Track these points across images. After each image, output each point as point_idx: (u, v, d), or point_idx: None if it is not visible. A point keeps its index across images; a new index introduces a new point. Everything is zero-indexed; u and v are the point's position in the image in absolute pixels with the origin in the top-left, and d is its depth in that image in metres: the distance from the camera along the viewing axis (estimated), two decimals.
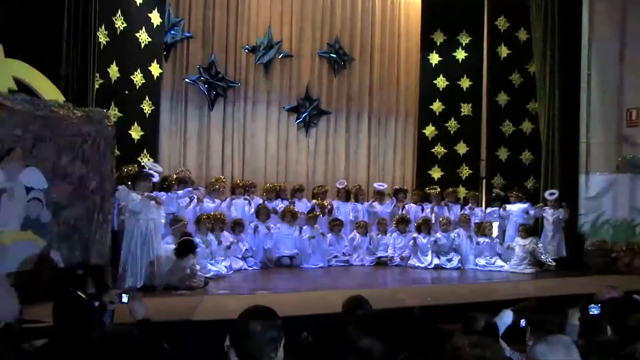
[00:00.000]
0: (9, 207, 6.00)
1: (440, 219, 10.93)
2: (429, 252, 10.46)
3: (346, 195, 11.45)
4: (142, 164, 9.11)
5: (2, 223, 5.95)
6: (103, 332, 2.75)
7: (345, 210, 11.28)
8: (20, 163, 6.04)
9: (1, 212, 5.93)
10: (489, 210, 11.36)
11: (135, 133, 9.84)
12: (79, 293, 3.43)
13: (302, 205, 10.91)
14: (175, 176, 9.75)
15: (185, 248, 7.70)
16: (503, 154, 12.03)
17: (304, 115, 12.21)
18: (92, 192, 6.53)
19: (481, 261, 10.40)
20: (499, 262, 10.35)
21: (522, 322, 3.79)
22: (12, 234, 6.03)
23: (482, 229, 10.58)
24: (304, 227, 10.39)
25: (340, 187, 11.52)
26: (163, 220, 7.96)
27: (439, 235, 10.60)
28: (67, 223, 6.34)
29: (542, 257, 10.09)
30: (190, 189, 9.46)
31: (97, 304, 3.62)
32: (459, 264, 10.41)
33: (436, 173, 12.65)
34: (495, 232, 10.90)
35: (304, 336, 3.77)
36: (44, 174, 6.21)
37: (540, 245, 10.15)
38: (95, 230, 6.57)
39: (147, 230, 7.51)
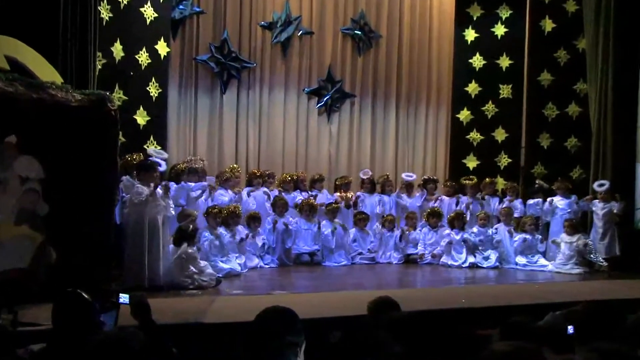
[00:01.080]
0: (2, 199, 6.01)
1: (477, 214, 10.83)
2: (464, 250, 10.38)
3: (372, 186, 11.39)
4: (147, 152, 9.12)
5: None
6: (106, 335, 2.75)
7: (370, 203, 11.22)
8: (14, 151, 6.04)
9: None
10: (529, 203, 11.21)
11: (141, 118, 9.86)
12: (81, 293, 3.42)
13: (323, 198, 10.90)
14: (185, 165, 9.74)
15: (182, 236, 7.73)
16: (545, 140, 11.84)
17: (325, 99, 12.17)
18: (93, 183, 6.52)
19: (522, 260, 10.29)
20: (542, 261, 10.23)
21: (570, 329, 3.71)
22: (5, 229, 6.04)
23: (522, 224, 10.45)
24: (323, 222, 10.37)
25: (365, 177, 11.45)
26: (173, 212, 7.98)
27: (475, 230, 10.52)
28: (66, 217, 6.34)
29: (592, 256, 9.93)
30: (205, 184, 9.47)
31: (99, 305, 3.62)
32: (497, 263, 10.30)
33: (471, 162, 12.55)
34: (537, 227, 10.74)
35: (334, 335, 3.75)
36: (41, 163, 6.19)
37: (590, 242, 9.99)
38: (97, 225, 6.57)
39: (154, 225, 7.52)
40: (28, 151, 6.14)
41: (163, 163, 8.87)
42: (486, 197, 11.36)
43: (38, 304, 4.98)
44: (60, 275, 5.95)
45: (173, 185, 8.53)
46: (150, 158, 8.54)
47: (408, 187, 11.50)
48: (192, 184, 9.22)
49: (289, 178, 10.85)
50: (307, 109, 12.14)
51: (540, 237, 10.49)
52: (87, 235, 6.38)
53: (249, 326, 2.64)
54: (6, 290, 5.41)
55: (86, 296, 3.43)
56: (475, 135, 12.58)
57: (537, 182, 11.39)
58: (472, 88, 12.60)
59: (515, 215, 10.81)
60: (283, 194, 10.50)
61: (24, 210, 6.16)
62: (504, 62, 12.44)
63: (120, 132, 7.23)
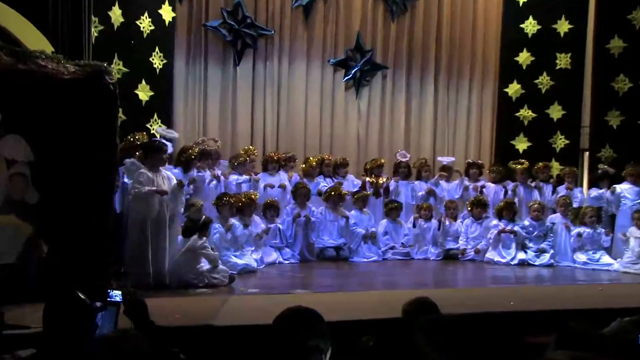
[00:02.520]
0: None
1: (529, 203, 10.73)
2: (513, 244, 10.30)
3: (407, 171, 11.34)
4: (153, 131, 9.15)
5: None
6: (105, 339, 2.76)
7: (405, 191, 11.19)
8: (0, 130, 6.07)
9: None
10: (592, 192, 11.09)
11: (144, 93, 9.92)
12: (77, 292, 3.43)
13: (348, 185, 10.90)
14: (196, 148, 9.74)
15: (191, 227, 7.77)
16: (615, 119, 11.67)
17: (353, 71, 12.15)
18: (89, 166, 6.55)
19: (582, 257, 10.18)
20: (606, 259, 10.11)
21: None
22: None
23: (582, 215, 10.34)
24: (351, 212, 10.39)
25: (403, 160, 11.39)
26: (182, 207, 8.02)
27: (526, 222, 10.45)
28: (58, 205, 6.37)
29: None
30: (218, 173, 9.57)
31: (98, 305, 3.64)
32: (552, 260, 10.21)
33: (522, 144, 12.47)
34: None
35: (365, 340, 3.76)
36: (29, 144, 6.22)
37: None
38: (93, 215, 6.61)
39: (160, 219, 7.55)
40: (14, 130, 6.16)
41: (170, 145, 8.89)
42: (540, 184, 11.24)
43: (26, 304, 5.02)
44: (51, 272, 6.00)
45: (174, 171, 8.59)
46: (157, 140, 8.52)
47: (447, 172, 11.43)
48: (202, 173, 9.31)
49: (314, 162, 10.83)
50: (333, 83, 12.14)
51: (603, 230, 10.37)
52: (83, 226, 6.41)
53: (266, 329, 2.65)
54: None
55: (82, 296, 3.43)
56: (526, 113, 12.48)
57: (600, 166, 11.24)
58: (524, 58, 12.47)
59: (574, 205, 10.69)
60: (305, 180, 10.49)
61: (11, 197, 6.20)
62: (563, 26, 12.29)
63: (120, 109, 7.26)
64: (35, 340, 3.51)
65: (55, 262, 6.19)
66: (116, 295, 3.68)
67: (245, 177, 9.99)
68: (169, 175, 7.94)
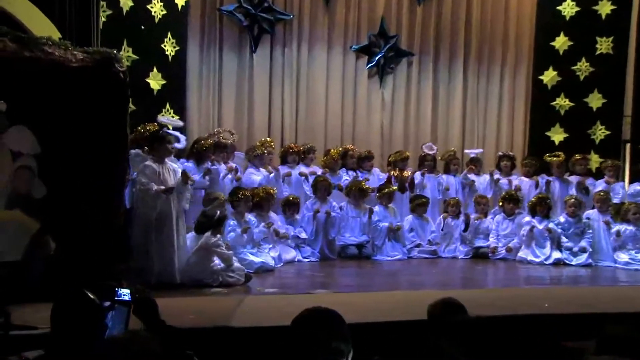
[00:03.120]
0: None
1: (565, 198, 10.67)
2: (547, 243, 10.25)
3: (433, 164, 11.33)
4: (157, 120, 9.15)
5: None
6: (115, 341, 2.78)
7: (431, 185, 11.19)
8: (3, 120, 6.11)
9: None
10: (634, 186, 11.02)
11: (155, 82, 9.95)
12: (86, 292, 3.46)
13: (373, 179, 10.90)
14: (210, 140, 9.79)
15: (206, 223, 7.79)
16: None
17: (377, 58, 12.13)
18: (98, 159, 6.59)
19: (623, 257, 10.13)
20: None
21: None
22: None
23: (624, 212, 10.28)
24: (375, 208, 10.38)
25: (430, 152, 11.37)
26: (187, 206, 8.02)
27: (561, 219, 10.39)
28: (66, 200, 6.41)
29: None
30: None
31: (107, 304, 3.66)
32: (590, 260, 10.16)
33: (558, 135, 12.41)
34: None
35: None
36: (36, 135, 6.26)
37: None
38: (103, 210, 6.65)
39: (165, 211, 7.57)
40: (19, 121, 6.21)
41: (182, 138, 8.93)
42: (587, 183, 11.11)
43: (33, 304, 5.07)
44: (59, 270, 6.04)
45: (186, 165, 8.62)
46: (163, 130, 8.56)
47: (476, 164, 11.39)
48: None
49: (336, 154, 10.82)
50: (355, 71, 12.12)
51: None
52: (91, 222, 6.45)
53: (284, 331, 2.65)
54: None
55: (92, 295, 3.46)
56: (562, 102, 12.40)
57: None
58: (561, 42, 12.39)
59: (615, 201, 10.65)
60: (327, 174, 10.50)
61: (16, 192, 6.25)
62: (604, 7, 12.20)
63: (130, 99, 7.29)
64: (42, 341, 3.55)
65: (62, 259, 6.23)
66: (124, 294, 3.68)
67: (263, 171, 10.01)
68: (175, 168, 7.95)
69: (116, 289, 3.70)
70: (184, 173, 7.80)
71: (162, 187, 7.56)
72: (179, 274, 7.57)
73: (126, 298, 3.66)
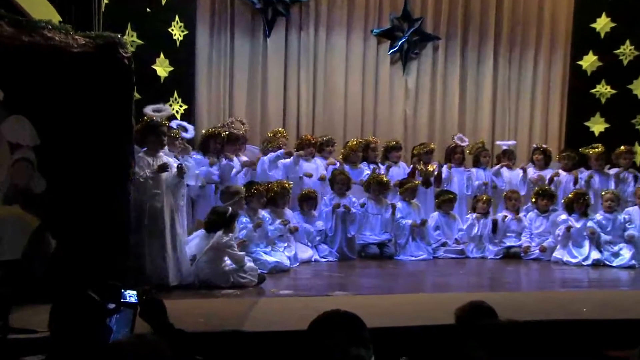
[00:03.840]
0: None
1: (603, 193, 10.62)
2: (586, 242, 10.22)
3: (461, 157, 11.31)
4: (173, 111, 9.17)
5: None
6: (120, 345, 2.80)
7: (459, 179, 11.19)
8: (1, 110, 6.13)
9: None
10: None
11: (162, 68, 10.00)
12: (89, 293, 3.49)
13: (400, 172, 10.94)
14: (221, 131, 9.80)
15: (217, 220, 7.80)
16: None
17: (400, 43, 12.16)
18: (102, 151, 6.62)
19: None
20: None
21: None
22: None
23: None
24: (398, 204, 10.42)
25: (462, 144, 11.37)
26: (183, 203, 8.00)
27: (598, 216, 10.36)
28: (68, 195, 6.43)
29: None
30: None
31: (112, 306, 3.68)
32: (632, 261, 10.10)
33: (598, 125, 12.39)
34: None
35: None
36: (35, 126, 6.27)
37: None
38: (107, 205, 6.67)
39: (159, 206, 7.54)
40: (17, 110, 6.22)
41: (190, 128, 8.95)
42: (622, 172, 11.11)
43: (33, 305, 5.10)
44: (60, 269, 6.08)
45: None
46: (153, 120, 8.32)
47: (508, 158, 11.36)
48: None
49: (356, 146, 10.83)
50: (377, 57, 12.15)
51: None
52: (94, 218, 6.48)
53: (301, 336, 2.66)
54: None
55: (95, 296, 3.48)
56: (603, 89, 12.37)
57: None
58: (602, 24, 12.34)
59: None
60: (346, 166, 10.51)
61: (15, 186, 6.26)
62: None
63: (135, 87, 7.32)
64: (43, 345, 3.57)
65: (64, 258, 6.26)
66: (131, 295, 3.71)
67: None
68: (169, 161, 7.81)
69: (122, 290, 3.72)
70: (179, 167, 7.72)
71: (155, 168, 7.48)
72: (178, 275, 7.54)
73: (132, 300, 3.68)
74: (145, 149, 7.75)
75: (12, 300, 5.05)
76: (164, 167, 7.51)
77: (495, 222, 10.75)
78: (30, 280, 5.96)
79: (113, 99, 6.66)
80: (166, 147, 8.04)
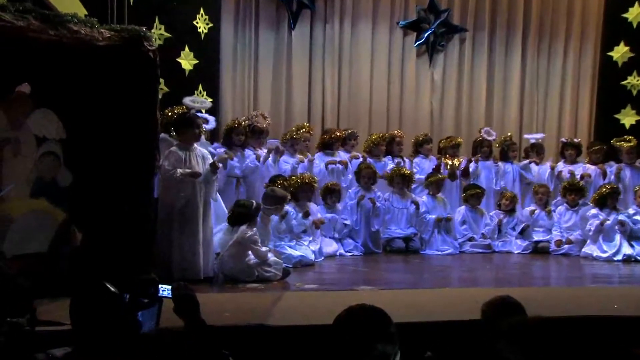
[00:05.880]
0: (14, 165, 6.14)
1: (635, 188, 10.57)
2: (617, 237, 10.15)
3: (488, 151, 11.27)
4: (183, 102, 9.19)
5: (5, 188, 6.11)
6: (146, 339, 2.82)
7: (487, 174, 11.16)
8: (28, 103, 6.18)
9: (3, 172, 6.09)
10: None
11: (187, 61, 10.04)
12: (107, 285, 3.51)
13: (430, 165, 10.94)
14: (244, 124, 9.82)
15: (242, 214, 7.81)
16: None
17: (426, 35, 12.13)
18: (127, 144, 6.65)
19: None
20: None
21: None
22: (18, 203, 6.18)
23: None
24: (423, 197, 10.46)
25: (490, 138, 11.33)
26: (217, 198, 8.06)
27: (630, 210, 10.30)
28: (94, 188, 6.46)
29: None
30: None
31: (138, 300, 3.71)
32: None
33: (629, 118, 12.33)
34: None
35: (427, 357, 3.78)
36: (61, 119, 6.31)
37: None
38: (132, 199, 6.71)
39: (191, 201, 7.59)
40: (44, 104, 6.27)
41: (212, 119, 8.96)
42: None
43: (59, 298, 5.15)
44: (86, 262, 6.12)
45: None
46: (189, 113, 8.46)
47: (537, 151, 11.30)
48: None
49: (379, 139, 10.81)
50: (403, 49, 12.13)
51: None
52: (120, 212, 6.51)
53: (325, 331, 2.67)
54: (21, 280, 5.60)
55: (113, 289, 3.50)
56: (635, 81, 12.30)
57: None
58: (635, 13, 12.25)
59: None
60: (370, 160, 10.51)
61: (41, 180, 6.31)
62: None
63: (161, 80, 7.34)
64: (70, 337, 3.61)
65: (90, 251, 6.30)
66: (165, 289, 3.73)
67: (298, 156, 10.04)
68: (205, 154, 7.88)
69: (159, 285, 3.74)
70: (213, 164, 7.75)
71: (188, 170, 7.53)
72: (205, 269, 7.59)
73: (166, 294, 3.70)
74: (176, 142, 7.80)
75: (37, 293, 5.10)
76: (196, 175, 7.55)
77: (525, 228, 10.70)
78: (56, 274, 6.01)
79: (138, 92, 6.65)
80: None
